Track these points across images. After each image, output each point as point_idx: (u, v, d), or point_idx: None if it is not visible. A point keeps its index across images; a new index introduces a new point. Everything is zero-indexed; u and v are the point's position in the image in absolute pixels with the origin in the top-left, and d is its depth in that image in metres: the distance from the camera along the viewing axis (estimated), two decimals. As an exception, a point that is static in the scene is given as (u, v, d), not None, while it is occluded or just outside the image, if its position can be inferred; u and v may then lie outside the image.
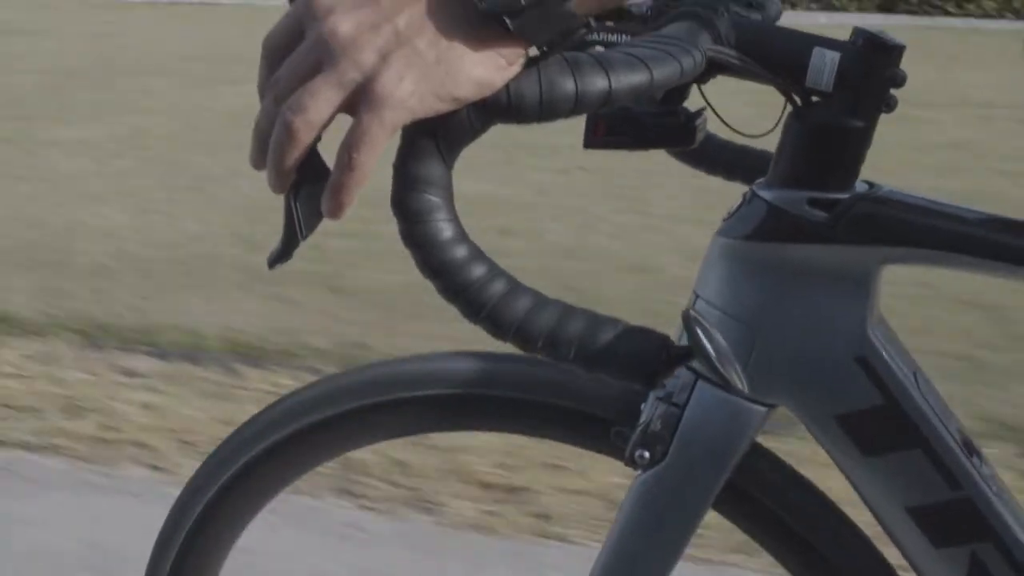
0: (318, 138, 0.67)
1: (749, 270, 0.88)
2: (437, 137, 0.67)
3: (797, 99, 0.85)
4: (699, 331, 0.69)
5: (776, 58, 0.84)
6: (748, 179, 0.94)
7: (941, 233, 0.85)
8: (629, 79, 0.67)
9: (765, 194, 0.87)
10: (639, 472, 0.93)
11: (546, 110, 0.66)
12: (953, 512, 0.88)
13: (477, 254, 0.68)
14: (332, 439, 1.07)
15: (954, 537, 0.89)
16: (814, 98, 0.84)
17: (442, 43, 0.64)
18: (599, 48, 0.70)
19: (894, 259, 0.86)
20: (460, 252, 0.67)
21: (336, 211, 0.66)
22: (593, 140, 0.87)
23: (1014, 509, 0.90)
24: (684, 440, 0.91)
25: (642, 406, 0.93)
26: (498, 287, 0.68)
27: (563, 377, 0.97)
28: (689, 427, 0.90)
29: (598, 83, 0.66)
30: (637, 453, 0.92)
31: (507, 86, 0.66)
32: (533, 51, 0.67)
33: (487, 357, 1.01)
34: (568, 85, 0.65)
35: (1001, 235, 0.85)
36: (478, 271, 0.67)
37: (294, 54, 0.66)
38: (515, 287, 0.68)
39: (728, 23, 0.84)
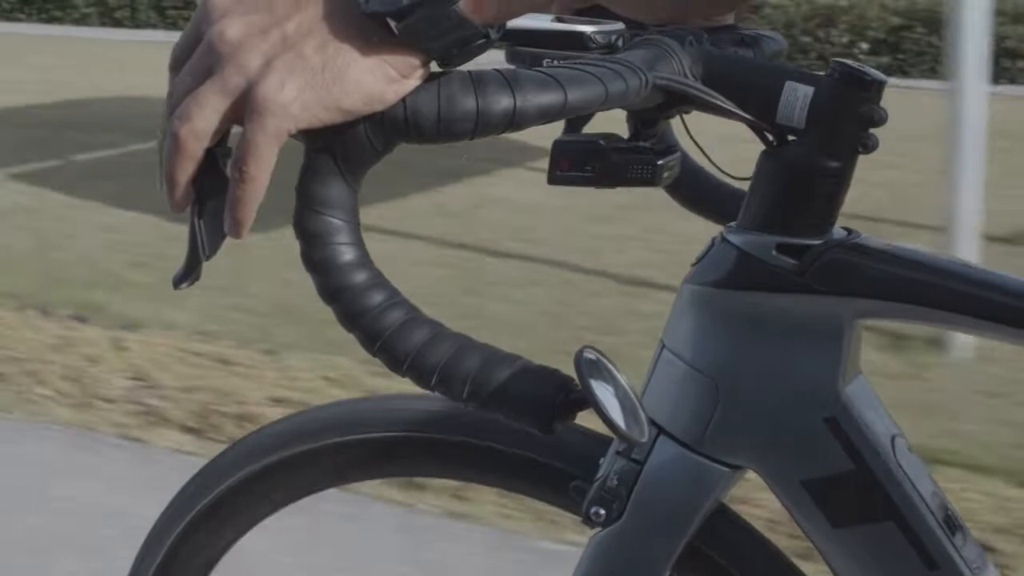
0: (223, 151, 0.63)
1: (715, 320, 0.82)
2: (336, 155, 0.62)
3: (770, 137, 0.79)
4: (590, 378, 0.63)
5: (746, 92, 0.77)
6: (722, 218, 0.88)
7: (922, 287, 0.77)
8: (538, 99, 0.62)
9: (733, 238, 0.81)
10: (596, 530, 0.87)
11: (444, 128, 0.61)
12: None
13: (378, 281, 0.63)
14: (305, 475, 1.02)
15: (929, 622, 0.81)
16: (790, 137, 0.78)
17: (329, 49, 0.60)
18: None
19: (870, 313, 0.79)
20: (359, 277, 0.63)
21: (236, 228, 0.63)
22: (556, 176, 0.82)
23: (1000, 595, 0.82)
24: (641, 499, 0.84)
25: (601, 460, 0.87)
26: (396, 316, 0.63)
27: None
28: (647, 485, 0.84)
29: (502, 101, 0.61)
30: (593, 510, 0.86)
31: (403, 101, 0.61)
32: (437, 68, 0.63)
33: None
34: (469, 102, 0.61)
35: (997, 294, 0.77)
36: (377, 298, 0.63)
37: (189, 61, 0.63)
38: (414, 317, 0.64)
39: (696, 53, 0.78)
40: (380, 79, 0.60)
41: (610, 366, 0.64)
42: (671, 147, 0.84)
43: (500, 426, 0.93)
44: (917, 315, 0.78)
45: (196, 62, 0.62)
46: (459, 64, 0.62)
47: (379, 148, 0.62)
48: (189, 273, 0.66)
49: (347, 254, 0.63)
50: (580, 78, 0.64)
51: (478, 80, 0.61)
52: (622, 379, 0.65)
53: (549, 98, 0.62)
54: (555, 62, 0.80)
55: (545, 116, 0.63)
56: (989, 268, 0.78)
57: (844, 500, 0.81)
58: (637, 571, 0.86)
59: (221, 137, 0.63)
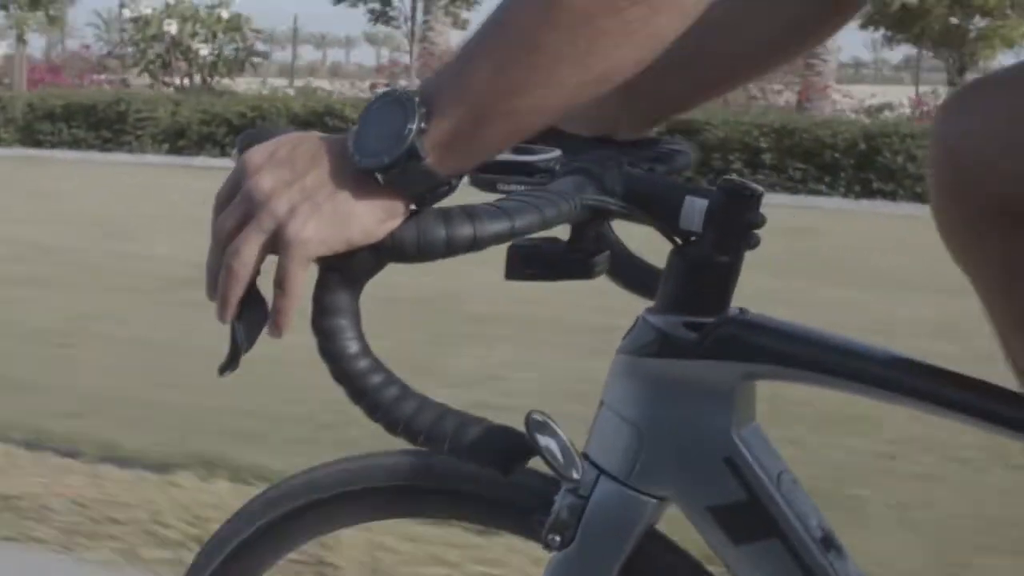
0: (256, 273, 0.83)
1: (638, 381, 1.04)
2: (342, 272, 0.84)
3: (676, 238, 1.02)
4: (536, 432, 0.85)
5: (655, 204, 1.00)
6: (650, 294, 1.09)
7: (796, 353, 1.00)
8: (491, 228, 0.83)
9: (651, 318, 1.04)
10: (553, 554, 1.09)
11: (423, 252, 0.82)
12: None
13: (377, 366, 0.85)
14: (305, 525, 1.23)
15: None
16: (692, 237, 1.01)
17: (338, 199, 0.80)
18: (504, 196, 0.89)
19: (756, 375, 1.01)
20: (362, 364, 0.84)
21: (277, 331, 0.83)
22: (511, 272, 1.04)
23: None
24: (586, 527, 1.06)
25: (555, 498, 1.09)
26: (391, 392, 0.85)
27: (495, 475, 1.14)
28: (591, 515, 1.06)
29: (464, 231, 0.82)
30: (549, 537, 1.07)
31: (392, 233, 0.82)
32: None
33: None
34: (439, 232, 0.82)
35: (859, 359, 0.99)
36: (376, 379, 0.85)
37: (230, 205, 0.82)
38: (405, 392, 0.85)
39: (616, 176, 1.01)
40: (374, 219, 0.80)
41: (553, 424, 0.87)
42: (601, 246, 1.07)
43: (478, 475, 1.15)
44: (795, 376, 1.00)
45: (235, 207, 0.81)
46: (431, 204, 0.83)
47: (374, 266, 0.84)
48: (230, 364, 0.86)
49: (352, 347, 0.84)
50: (523, 208, 0.86)
51: (446, 215, 0.83)
52: (561, 433, 0.87)
53: (499, 226, 0.84)
54: (508, 186, 1.04)
55: (498, 240, 0.85)
56: (860, 339, 1.00)
57: (740, 522, 1.02)
58: (584, 586, 1.08)
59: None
